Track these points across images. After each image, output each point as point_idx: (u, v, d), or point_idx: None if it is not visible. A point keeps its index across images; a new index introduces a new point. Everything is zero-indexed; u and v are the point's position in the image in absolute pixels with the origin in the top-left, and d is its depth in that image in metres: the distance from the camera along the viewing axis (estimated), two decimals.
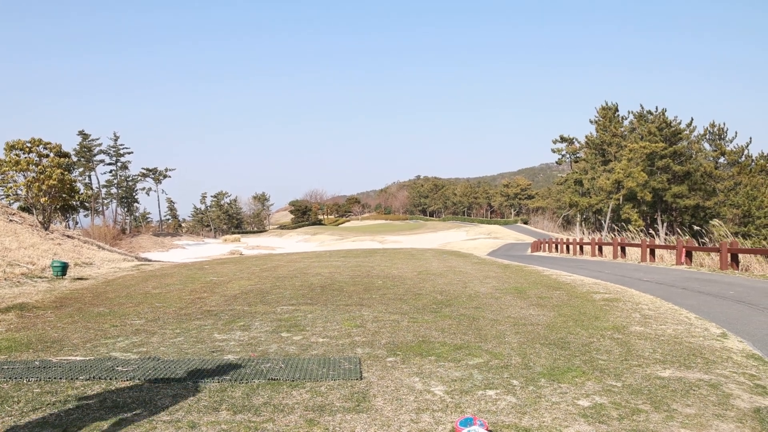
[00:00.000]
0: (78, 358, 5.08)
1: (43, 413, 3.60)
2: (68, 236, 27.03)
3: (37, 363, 4.88)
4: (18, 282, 11.35)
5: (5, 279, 11.52)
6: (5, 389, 4.11)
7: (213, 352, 5.33)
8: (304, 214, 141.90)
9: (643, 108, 63.64)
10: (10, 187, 25.40)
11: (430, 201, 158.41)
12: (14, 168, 24.22)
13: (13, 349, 5.45)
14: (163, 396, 3.95)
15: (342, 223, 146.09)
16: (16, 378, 4.36)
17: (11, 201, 32.03)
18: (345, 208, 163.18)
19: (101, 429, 3.34)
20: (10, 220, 23.42)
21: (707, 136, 60.97)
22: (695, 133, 60.73)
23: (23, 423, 3.43)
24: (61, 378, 4.37)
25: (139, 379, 4.35)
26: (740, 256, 15.98)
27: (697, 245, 19.97)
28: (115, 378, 4.37)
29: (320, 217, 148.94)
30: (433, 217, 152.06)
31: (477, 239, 71.48)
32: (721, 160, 59.98)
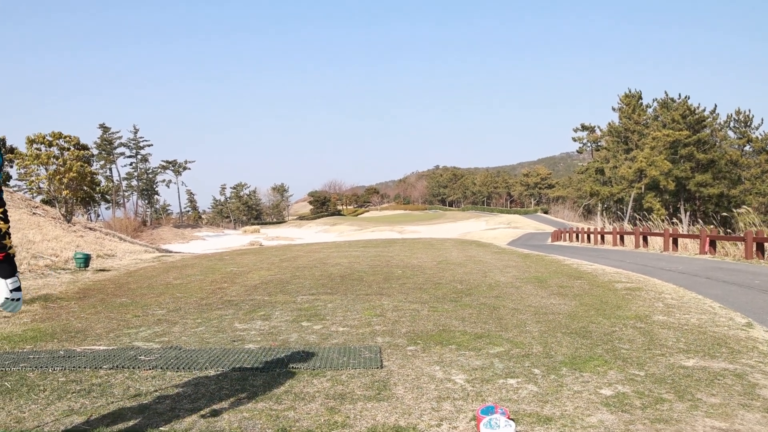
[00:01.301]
0: (101, 348, 5.14)
1: (68, 401, 3.64)
2: (90, 228, 27.37)
3: (61, 352, 4.95)
4: (42, 274, 11.52)
5: (30, 271, 11.70)
6: (31, 378, 4.17)
7: (234, 341, 5.36)
8: (323, 205, 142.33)
9: (667, 95, 62.72)
10: (33, 181, 25.77)
11: (449, 191, 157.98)
12: (36, 162, 24.55)
13: (38, 339, 5.53)
14: (186, 385, 3.98)
15: (361, 213, 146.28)
16: (41, 367, 4.42)
17: (34, 194, 32.50)
18: (364, 199, 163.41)
19: (124, 417, 3.37)
20: (34, 213, 23.76)
21: (731, 124, 59.97)
22: (718, 121, 59.76)
23: (49, 411, 3.48)
24: (85, 367, 4.42)
25: (161, 368, 4.39)
26: (766, 245, 15.71)
27: (721, 234, 19.70)
28: (138, 367, 4.41)
29: (339, 207, 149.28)
30: (452, 207, 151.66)
31: (497, 229, 71.16)
32: (747, 147, 59.01)
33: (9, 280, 2.42)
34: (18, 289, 2.45)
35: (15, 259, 2.44)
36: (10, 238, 2.40)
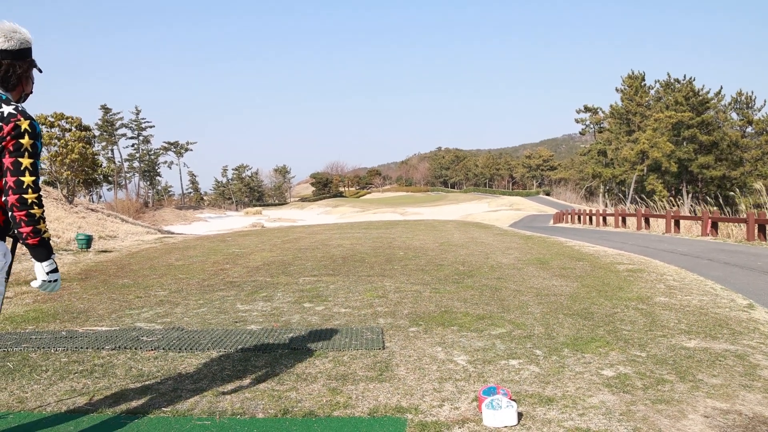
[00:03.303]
0: (103, 329, 5.15)
1: (70, 382, 3.66)
2: (92, 210, 27.39)
3: (63, 333, 4.96)
4: None
5: None
6: (34, 358, 4.18)
7: (236, 322, 5.37)
8: (325, 187, 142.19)
9: (670, 76, 62.24)
10: None
11: (451, 173, 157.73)
12: None
13: (40, 320, 5.54)
14: (188, 365, 3.99)
15: (363, 195, 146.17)
16: (44, 348, 4.44)
17: None
18: (366, 180, 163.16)
19: (127, 397, 3.38)
20: None
21: (735, 105, 59.59)
22: (723, 103, 59.37)
23: (51, 391, 3.49)
24: (87, 348, 4.43)
25: (163, 348, 4.40)
26: None
27: (723, 216, 19.66)
28: (140, 348, 4.42)
29: (341, 189, 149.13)
30: (454, 188, 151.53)
31: (499, 211, 71.15)
32: (749, 129, 58.71)
33: (45, 263, 2.47)
34: (54, 270, 2.50)
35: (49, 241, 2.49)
36: (44, 222, 2.44)
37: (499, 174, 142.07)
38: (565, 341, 4.54)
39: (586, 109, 73.85)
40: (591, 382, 3.58)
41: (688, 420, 3.03)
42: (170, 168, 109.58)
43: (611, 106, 66.54)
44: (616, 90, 65.38)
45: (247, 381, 3.65)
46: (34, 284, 2.49)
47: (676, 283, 7.54)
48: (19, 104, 2.48)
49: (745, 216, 16.48)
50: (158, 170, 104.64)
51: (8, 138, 2.36)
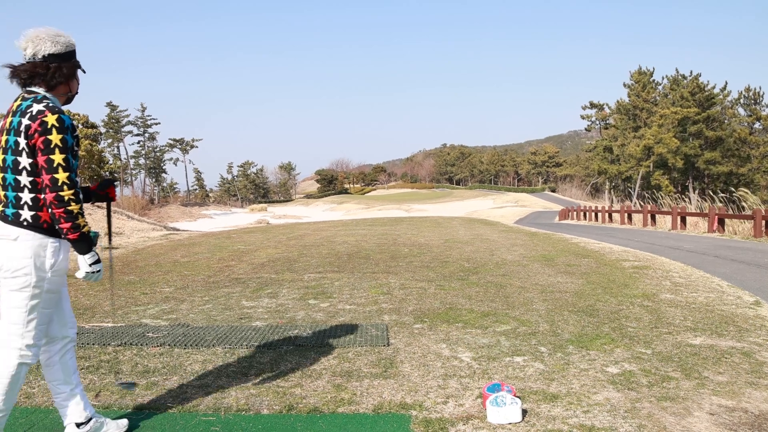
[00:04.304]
0: (109, 325, 5.17)
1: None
2: (98, 206, 27.46)
3: None
4: None
5: None
6: None
7: (241, 318, 5.38)
8: (330, 183, 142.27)
9: (677, 72, 61.92)
10: None
11: (456, 169, 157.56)
12: None
13: None
14: (193, 362, 4.01)
15: (368, 191, 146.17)
16: None
17: None
18: (371, 177, 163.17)
19: (133, 393, 3.40)
20: None
21: (742, 101, 59.28)
22: (729, 98, 59.06)
23: None
24: (93, 344, 4.45)
25: (169, 345, 4.41)
26: None
27: (730, 212, 19.57)
28: (146, 344, 4.44)
29: (346, 186, 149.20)
30: (459, 185, 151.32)
31: (504, 207, 71.03)
32: (757, 125, 58.41)
33: (87, 256, 2.56)
34: (97, 261, 2.60)
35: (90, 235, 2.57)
36: (83, 217, 2.49)
37: (504, 171, 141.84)
38: (570, 338, 4.54)
39: (592, 105, 73.63)
40: (596, 379, 3.58)
41: (693, 417, 3.02)
42: (176, 165, 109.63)
43: (617, 101, 66.32)
44: (624, 85, 65.13)
45: (252, 377, 3.66)
46: (79, 275, 2.58)
47: (682, 280, 7.51)
48: (50, 101, 2.52)
49: (752, 212, 16.41)
50: (164, 167, 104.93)
51: (36, 135, 2.40)
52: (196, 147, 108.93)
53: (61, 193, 2.41)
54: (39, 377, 3.68)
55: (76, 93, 2.72)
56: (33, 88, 2.54)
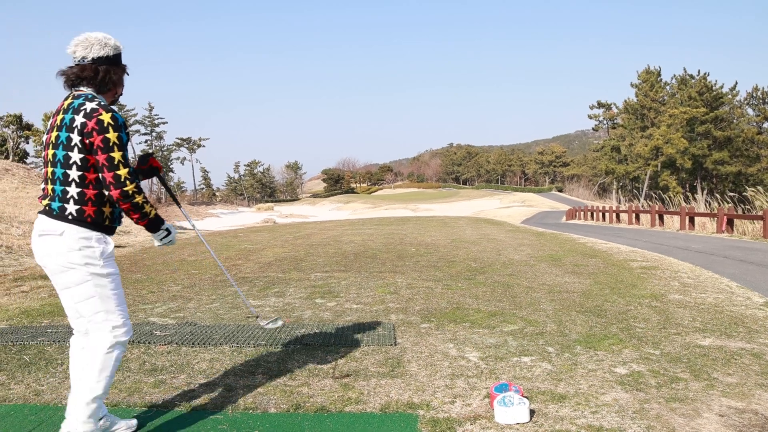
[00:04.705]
0: None
1: None
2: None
3: None
4: None
5: None
6: (49, 352, 4.22)
7: (248, 317, 5.39)
8: (337, 183, 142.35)
9: (685, 71, 61.61)
10: None
11: (463, 169, 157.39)
12: None
13: (56, 314, 5.59)
14: (201, 360, 4.01)
15: (375, 191, 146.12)
16: (59, 341, 4.48)
17: None
18: (377, 177, 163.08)
19: (141, 391, 3.41)
20: None
21: (750, 101, 58.95)
22: (738, 98, 58.74)
23: (67, 384, 3.52)
24: None
25: (176, 343, 4.42)
26: None
27: (739, 213, 19.46)
28: (154, 342, 4.45)
29: (353, 185, 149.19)
30: (466, 185, 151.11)
31: (511, 207, 70.88)
32: (766, 125, 58.06)
33: (156, 234, 2.77)
34: (167, 234, 2.81)
35: (155, 214, 2.72)
36: (147, 204, 2.62)
37: (511, 170, 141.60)
38: (577, 338, 4.52)
39: (600, 104, 73.38)
40: (604, 380, 3.56)
41: (702, 419, 3.01)
42: (183, 164, 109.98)
43: (625, 101, 66.05)
44: (631, 85, 64.85)
45: (259, 376, 3.66)
46: (155, 244, 2.82)
47: (690, 280, 7.48)
48: (100, 99, 2.62)
49: (761, 213, 16.31)
50: (171, 166, 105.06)
51: (94, 134, 2.49)
52: (203, 146, 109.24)
53: (125, 189, 2.53)
54: (48, 375, 3.70)
55: (121, 94, 2.83)
56: (81, 88, 2.63)
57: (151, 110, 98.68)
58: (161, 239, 2.80)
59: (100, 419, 2.74)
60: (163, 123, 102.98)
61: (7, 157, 35.74)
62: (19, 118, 41.57)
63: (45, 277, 7.90)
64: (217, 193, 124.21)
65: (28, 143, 42.92)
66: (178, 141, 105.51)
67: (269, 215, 79.21)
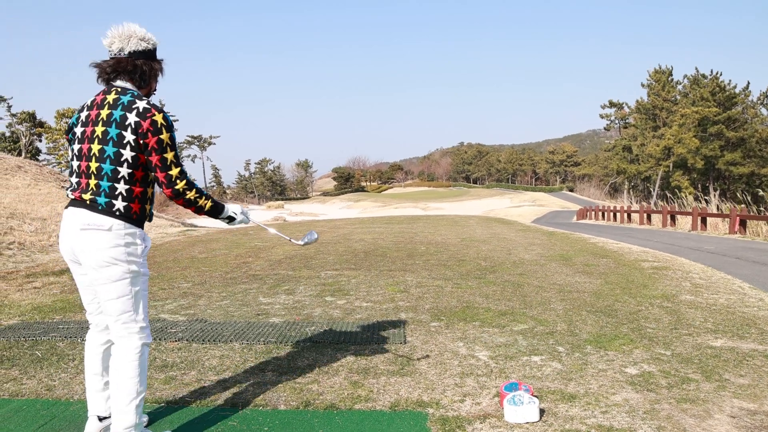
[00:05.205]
0: None
1: None
2: None
3: None
4: None
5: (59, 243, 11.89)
6: (61, 347, 4.26)
7: (258, 315, 5.41)
8: (347, 181, 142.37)
9: (698, 71, 61.15)
10: (62, 155, 26.12)
11: (473, 168, 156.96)
12: (64, 136, 24.87)
13: (67, 310, 5.63)
14: (211, 357, 4.03)
15: (385, 190, 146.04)
16: (70, 337, 4.51)
17: (63, 168, 32.98)
18: (388, 175, 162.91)
19: (151, 387, 3.43)
20: (62, 187, 24.12)
21: (764, 101, 58.42)
22: (751, 98, 58.22)
23: (78, 380, 3.55)
24: None
25: (187, 340, 4.45)
26: None
27: (752, 214, 19.31)
28: (164, 339, 4.47)
29: (363, 184, 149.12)
30: (476, 184, 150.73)
31: (521, 206, 70.67)
32: None
33: (219, 219, 2.90)
34: (231, 219, 2.95)
35: (212, 206, 2.80)
36: (202, 197, 2.70)
37: (522, 169, 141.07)
38: (588, 338, 4.50)
39: (611, 104, 73.00)
40: (614, 380, 3.55)
41: (713, 420, 2.99)
42: (193, 162, 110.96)
43: (637, 101, 65.67)
44: (642, 85, 64.48)
45: (269, 373, 3.68)
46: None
47: (702, 281, 7.43)
48: (149, 98, 2.66)
49: None
50: (182, 164, 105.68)
51: (149, 135, 2.51)
52: (214, 144, 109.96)
53: (177, 187, 2.59)
54: (59, 370, 3.73)
55: (156, 91, 2.83)
56: (120, 83, 2.62)
57: (162, 107, 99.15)
58: (227, 223, 2.93)
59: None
60: (174, 120, 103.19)
61: (19, 154, 36.06)
62: (32, 115, 41.96)
63: (57, 274, 7.96)
64: (227, 191, 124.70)
65: (41, 140, 43.24)
66: (189, 139, 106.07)
67: (279, 213, 79.38)
